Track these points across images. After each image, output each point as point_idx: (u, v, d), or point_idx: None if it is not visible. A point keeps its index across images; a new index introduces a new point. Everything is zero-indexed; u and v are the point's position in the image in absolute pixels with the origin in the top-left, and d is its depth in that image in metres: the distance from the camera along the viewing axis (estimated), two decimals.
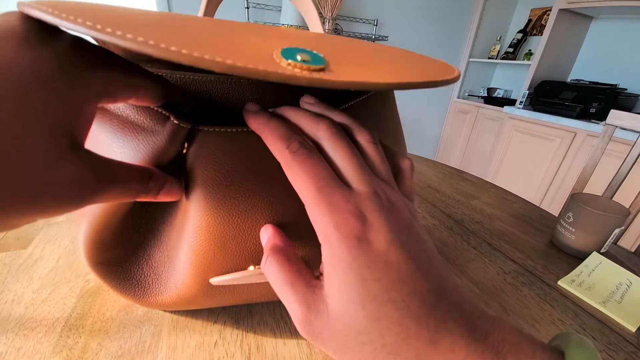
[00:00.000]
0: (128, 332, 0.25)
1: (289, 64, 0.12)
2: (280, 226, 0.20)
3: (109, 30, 0.10)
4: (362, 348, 0.13)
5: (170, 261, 0.22)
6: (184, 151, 0.18)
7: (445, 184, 0.64)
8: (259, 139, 0.17)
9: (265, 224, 0.20)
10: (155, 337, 0.25)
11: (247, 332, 0.26)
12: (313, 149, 0.15)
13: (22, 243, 0.35)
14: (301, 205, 0.18)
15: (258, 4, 1.80)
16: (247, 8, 1.77)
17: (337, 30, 1.94)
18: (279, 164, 0.16)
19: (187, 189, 0.19)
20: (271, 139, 0.16)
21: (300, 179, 0.14)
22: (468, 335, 0.13)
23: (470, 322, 0.13)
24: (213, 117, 0.21)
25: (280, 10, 1.82)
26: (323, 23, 1.85)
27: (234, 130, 0.18)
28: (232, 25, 0.16)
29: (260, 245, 0.21)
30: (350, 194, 0.14)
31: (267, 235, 0.19)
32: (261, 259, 0.21)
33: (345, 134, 0.17)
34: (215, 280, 0.21)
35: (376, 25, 2.06)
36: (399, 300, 0.13)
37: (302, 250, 0.23)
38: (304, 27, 1.75)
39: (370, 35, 2.07)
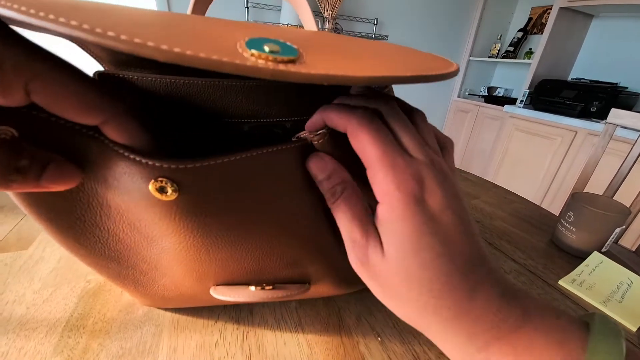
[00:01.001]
0: (129, 332, 0.25)
1: (252, 54, 0.10)
2: (280, 247, 0.20)
3: (41, 14, 0.08)
4: (408, 290, 0.15)
5: (164, 268, 0.22)
6: (174, 193, 0.15)
7: None
8: (250, 165, 0.16)
9: (265, 247, 0.20)
10: (156, 338, 0.25)
11: (248, 332, 0.26)
12: (376, 116, 0.16)
13: (22, 244, 0.35)
14: (299, 228, 0.18)
15: (258, 3, 1.80)
16: (247, 8, 1.77)
17: (337, 30, 1.94)
18: (274, 190, 0.17)
19: (182, 219, 0.17)
20: (336, 113, 0.16)
21: (365, 142, 0.15)
22: (501, 295, 0.15)
23: (503, 285, 0.16)
24: (204, 121, 0.21)
25: (280, 10, 1.82)
26: (323, 22, 1.85)
27: (221, 161, 0.15)
28: (205, 19, 0.14)
29: (260, 266, 0.21)
30: (411, 159, 0.16)
31: (327, 172, 0.18)
32: (260, 278, 0.22)
33: (401, 110, 0.18)
34: (216, 296, 0.21)
35: (376, 24, 2.06)
36: (449, 255, 0.15)
37: (302, 269, 0.23)
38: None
39: (370, 35, 2.07)
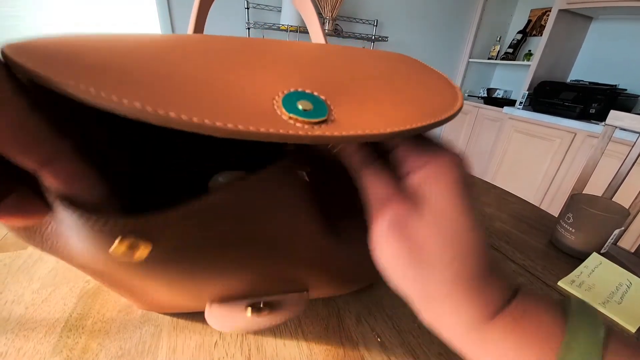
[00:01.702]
0: (128, 332, 0.25)
1: (290, 118, 0.11)
2: (276, 267, 0.20)
3: (92, 91, 0.09)
4: (442, 254, 0.15)
5: (154, 289, 0.21)
6: (148, 246, 0.13)
7: None
8: (232, 199, 0.15)
9: (259, 269, 0.20)
10: (155, 338, 0.25)
11: (247, 332, 0.26)
12: None
13: (21, 243, 0.34)
14: (294, 246, 0.19)
15: (258, 4, 1.80)
16: (247, 9, 1.77)
17: (337, 31, 1.94)
18: (262, 216, 0.17)
19: (161, 269, 0.16)
20: None
21: None
22: (503, 276, 0.17)
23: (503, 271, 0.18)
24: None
25: (280, 11, 1.83)
26: (323, 23, 1.85)
27: (199, 205, 0.14)
28: (225, 55, 0.14)
29: (256, 286, 0.21)
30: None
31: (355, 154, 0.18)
32: (257, 300, 0.22)
33: None
34: (212, 325, 0.21)
35: (376, 25, 2.07)
36: (480, 225, 0.16)
37: (300, 280, 0.23)
38: (304, 27, 1.75)
39: (370, 36, 2.07)
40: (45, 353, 0.23)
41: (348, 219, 0.21)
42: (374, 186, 0.17)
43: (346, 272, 0.25)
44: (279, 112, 0.11)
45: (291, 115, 0.11)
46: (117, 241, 0.12)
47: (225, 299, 0.22)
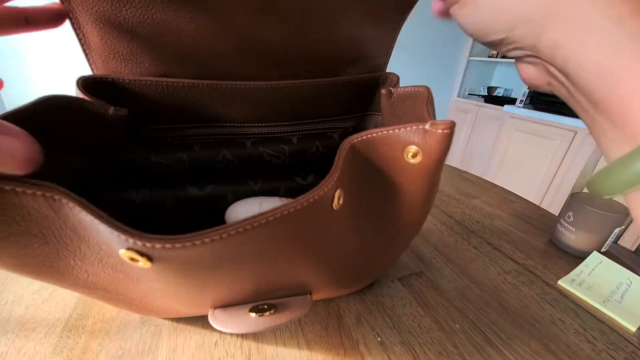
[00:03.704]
0: (128, 332, 0.25)
1: None
2: (280, 277, 0.20)
3: None
4: None
5: (156, 297, 0.20)
6: (148, 262, 0.13)
7: (446, 183, 0.64)
8: (220, 246, 0.14)
9: (263, 280, 0.19)
10: (155, 338, 0.25)
11: (251, 332, 0.26)
12: None
13: None
14: (299, 262, 0.19)
15: None
16: None
17: None
18: (266, 247, 0.16)
19: (164, 277, 0.15)
20: None
21: None
22: None
23: None
24: (189, 118, 0.21)
25: None
26: None
27: (199, 241, 0.13)
28: None
29: (260, 292, 0.21)
30: None
31: None
32: (261, 299, 0.22)
33: None
34: (216, 327, 0.21)
35: None
36: None
37: (304, 285, 0.23)
38: None
39: None
40: (45, 353, 0.23)
41: (364, 227, 0.21)
42: None
43: (348, 276, 0.25)
44: None
45: None
46: (122, 250, 0.13)
47: (228, 305, 0.22)
